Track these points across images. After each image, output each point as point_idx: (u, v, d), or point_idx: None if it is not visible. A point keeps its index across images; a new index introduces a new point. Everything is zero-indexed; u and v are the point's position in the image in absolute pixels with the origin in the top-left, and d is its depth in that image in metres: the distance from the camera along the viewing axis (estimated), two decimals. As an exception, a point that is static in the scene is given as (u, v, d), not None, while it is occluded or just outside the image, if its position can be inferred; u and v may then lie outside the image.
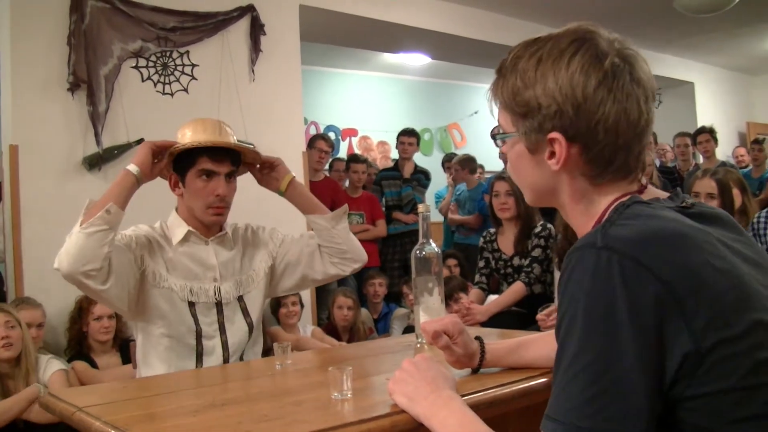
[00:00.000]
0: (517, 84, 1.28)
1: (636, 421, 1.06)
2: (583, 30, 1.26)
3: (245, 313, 2.63)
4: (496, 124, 1.40)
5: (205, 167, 2.52)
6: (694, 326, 1.06)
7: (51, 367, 3.90)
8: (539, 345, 1.79)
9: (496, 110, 1.38)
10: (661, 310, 1.06)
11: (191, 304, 2.53)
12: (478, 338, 1.78)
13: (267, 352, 2.72)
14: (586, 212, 1.30)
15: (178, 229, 2.60)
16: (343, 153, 9.14)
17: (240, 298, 2.63)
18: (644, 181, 1.32)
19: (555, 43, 1.26)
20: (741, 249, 1.19)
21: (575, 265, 1.14)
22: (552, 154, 1.26)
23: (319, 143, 6.45)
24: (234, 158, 2.59)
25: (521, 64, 1.28)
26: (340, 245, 2.72)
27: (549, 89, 1.23)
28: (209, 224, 2.61)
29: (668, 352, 1.07)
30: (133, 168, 2.43)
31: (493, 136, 1.42)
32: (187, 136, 2.54)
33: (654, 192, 1.29)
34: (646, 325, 1.06)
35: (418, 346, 2.26)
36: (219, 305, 2.58)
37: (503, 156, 1.38)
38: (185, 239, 2.59)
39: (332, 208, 6.33)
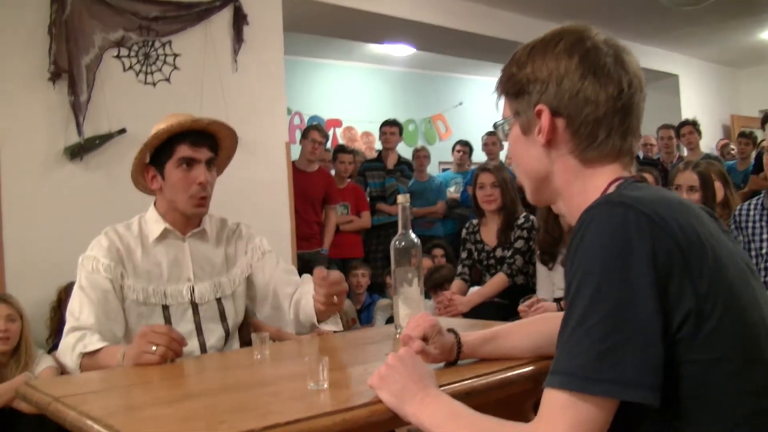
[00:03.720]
0: (512, 69, 1.41)
1: (654, 373, 1.10)
2: (573, 26, 1.38)
3: (222, 316, 2.58)
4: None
5: (185, 155, 2.46)
6: (698, 288, 1.13)
7: (43, 362, 3.90)
8: (515, 334, 1.79)
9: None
10: (670, 264, 1.13)
11: (165, 308, 2.48)
12: (451, 330, 1.77)
13: (248, 342, 2.69)
14: (582, 191, 1.36)
15: (155, 225, 2.54)
16: (327, 144, 9.11)
17: (218, 300, 2.58)
18: (633, 171, 1.40)
19: (546, 35, 1.39)
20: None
21: (590, 221, 1.19)
22: (540, 131, 1.36)
23: (312, 134, 6.45)
24: (212, 145, 2.54)
25: (517, 55, 1.41)
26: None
27: (536, 67, 1.35)
28: (191, 216, 2.55)
29: (674, 306, 1.12)
30: (120, 359, 2.13)
31: (494, 126, 1.53)
32: (160, 129, 2.46)
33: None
34: (660, 276, 1.11)
35: (397, 336, 2.26)
36: (195, 306, 2.53)
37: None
38: (162, 237, 2.53)
39: (325, 199, 6.34)
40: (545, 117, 1.34)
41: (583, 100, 1.31)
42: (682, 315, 1.13)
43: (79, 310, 2.37)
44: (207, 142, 2.52)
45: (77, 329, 2.32)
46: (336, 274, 2.28)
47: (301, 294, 2.54)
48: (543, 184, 1.43)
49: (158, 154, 2.49)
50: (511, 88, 1.41)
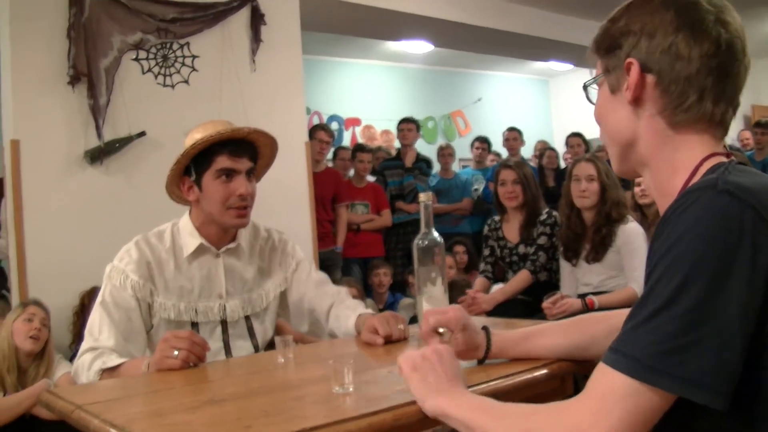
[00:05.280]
0: (607, 24, 1.35)
1: (725, 377, 1.04)
2: None
3: (251, 333, 2.51)
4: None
5: (224, 166, 2.35)
6: None
7: (61, 368, 3.93)
8: (547, 336, 1.74)
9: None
10: None
11: (194, 324, 2.41)
12: (485, 328, 1.74)
13: (271, 344, 2.67)
14: (670, 162, 1.27)
15: (190, 239, 2.45)
16: (346, 143, 9.12)
17: (247, 318, 2.50)
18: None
19: None
20: None
21: (690, 205, 1.10)
22: (628, 87, 1.28)
23: (319, 134, 6.39)
24: (251, 154, 2.44)
25: (614, 11, 1.35)
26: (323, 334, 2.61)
27: (631, 20, 1.29)
28: (229, 228, 2.45)
29: None
30: (145, 370, 2.10)
31: (584, 87, 1.44)
32: (198, 140, 2.35)
33: None
34: (760, 278, 1.05)
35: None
36: (224, 324, 2.46)
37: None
38: (197, 252, 2.44)
39: (335, 198, 6.35)
40: (634, 71, 1.26)
41: (675, 55, 1.23)
42: None
43: (99, 329, 2.29)
44: (247, 152, 2.42)
45: (94, 350, 2.25)
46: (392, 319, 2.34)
47: (339, 315, 2.49)
48: (629, 150, 1.34)
49: (195, 163, 2.39)
50: (603, 43, 1.35)
